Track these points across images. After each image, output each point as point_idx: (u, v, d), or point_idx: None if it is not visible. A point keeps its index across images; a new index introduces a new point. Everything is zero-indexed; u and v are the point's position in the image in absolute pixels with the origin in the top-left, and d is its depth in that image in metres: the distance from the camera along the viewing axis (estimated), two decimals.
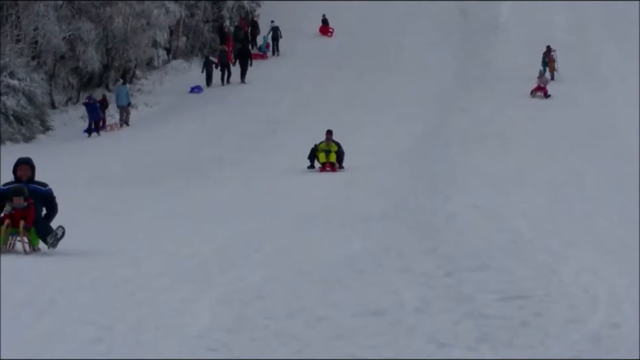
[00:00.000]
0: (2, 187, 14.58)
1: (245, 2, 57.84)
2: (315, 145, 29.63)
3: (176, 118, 43.99)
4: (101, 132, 43.46)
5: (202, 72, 51.69)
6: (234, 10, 56.68)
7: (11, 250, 13.88)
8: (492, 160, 29.67)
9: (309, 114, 41.52)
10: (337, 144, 29.58)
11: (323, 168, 28.84)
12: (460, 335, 9.81)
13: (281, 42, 55.04)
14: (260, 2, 60.48)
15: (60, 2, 47.17)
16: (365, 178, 29.57)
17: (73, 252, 15.70)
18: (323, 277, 13.53)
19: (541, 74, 44.59)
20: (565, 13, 58.45)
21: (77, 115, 45.32)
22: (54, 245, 13.73)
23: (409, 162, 32.32)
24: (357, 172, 30.49)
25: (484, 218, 21.00)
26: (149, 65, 51.97)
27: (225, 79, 50.78)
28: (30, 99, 43.37)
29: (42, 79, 45.15)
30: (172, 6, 52.15)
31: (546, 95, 42.83)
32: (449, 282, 12.90)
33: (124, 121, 44.98)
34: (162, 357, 9.16)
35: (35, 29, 45.93)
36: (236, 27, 55.10)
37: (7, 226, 13.65)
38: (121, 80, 49.63)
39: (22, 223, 13.62)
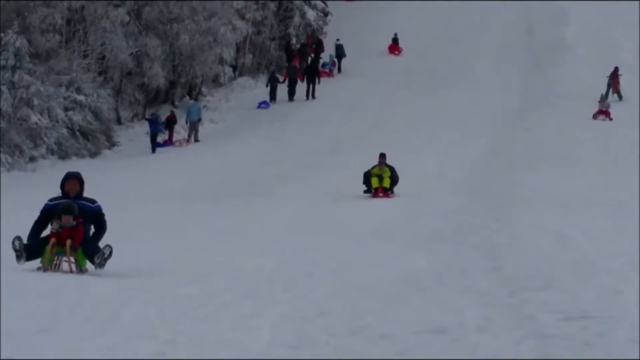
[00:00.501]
0: (49, 203, 13.98)
1: (312, 20, 58.21)
2: (368, 170, 28.87)
3: (242, 135, 44.50)
4: (169, 148, 44.13)
5: (267, 86, 52.01)
6: (301, 28, 57.19)
7: (57, 270, 13.29)
8: (556, 181, 29.73)
9: (374, 133, 41.67)
10: (391, 168, 28.82)
11: (375, 194, 28.13)
12: (522, 354, 9.57)
13: (349, 60, 55.23)
14: (328, 19, 60.95)
15: (128, 19, 47.64)
16: (428, 197, 29.44)
17: (136, 268, 16.10)
18: (385, 294, 13.47)
19: (602, 99, 44.24)
20: (632, 34, 57.00)
21: (143, 131, 45.92)
22: (101, 265, 13.11)
23: (472, 181, 32.32)
24: (420, 191, 30.05)
25: (547, 238, 20.65)
26: (215, 82, 52.48)
27: (291, 96, 50.91)
28: (96, 114, 43.99)
29: (109, 95, 45.83)
30: (238, 23, 52.39)
31: (609, 118, 42.52)
32: (512, 301, 12.72)
33: (194, 137, 45.44)
34: None
35: (103, 45, 46.48)
36: (302, 45, 55.87)
37: (53, 245, 13.02)
38: (187, 97, 50.41)
39: (68, 242, 12.92)
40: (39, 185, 25.84)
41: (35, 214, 16.76)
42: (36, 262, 13.60)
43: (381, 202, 27.65)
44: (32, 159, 40.22)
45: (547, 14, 61.34)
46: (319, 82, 51.73)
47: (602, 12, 59.83)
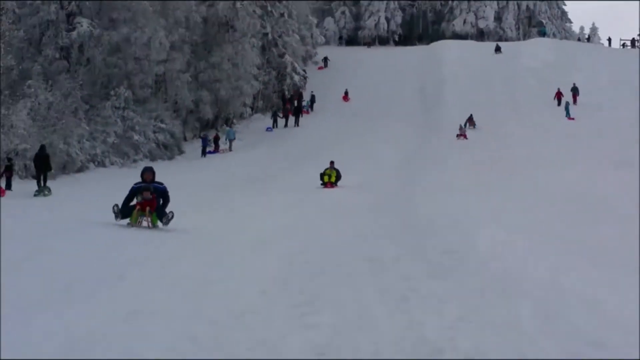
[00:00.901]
0: (134, 185, 14.83)
1: (297, 81, 60.13)
2: (323, 171, 29.68)
3: (257, 147, 46.97)
4: (215, 154, 46.62)
5: (271, 119, 55.05)
6: (291, 86, 58.94)
7: (140, 226, 14.41)
8: (438, 175, 31.42)
9: (333, 147, 42.05)
10: (337, 170, 29.30)
11: (326, 185, 28.79)
12: (417, 272, 10.70)
13: (318, 104, 57.40)
14: (306, 80, 62.71)
15: (190, 80, 49.18)
16: (362, 187, 29.64)
17: (194, 227, 16.28)
18: (339, 240, 14.56)
19: (461, 128, 46.43)
20: (484, 93, 58.33)
21: (199, 145, 47.91)
22: (166, 224, 14.26)
23: (390, 176, 32.90)
24: (357, 183, 30.16)
25: (433, 208, 21.21)
26: (241, 116, 54.79)
27: (286, 124, 54.19)
28: (172, 135, 46.65)
29: (179, 124, 48.48)
30: (254, 83, 54.31)
31: (466, 138, 45.13)
32: (413, 244, 14.12)
33: (230, 148, 48.21)
34: None
35: (176, 95, 48.96)
36: (291, 95, 57.64)
37: (138, 210, 14.33)
38: (225, 125, 53.20)
39: (147, 209, 14.26)
40: (137, 176, 19.20)
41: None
42: (125, 221, 14.71)
43: (330, 190, 27.91)
44: (134, 160, 42.71)
45: (433, 79, 62.05)
46: (301, 116, 54.69)
47: (468, 78, 61.07)
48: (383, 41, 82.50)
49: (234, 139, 49.28)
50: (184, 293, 8.96)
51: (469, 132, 46.69)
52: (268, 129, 53.70)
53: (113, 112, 44.31)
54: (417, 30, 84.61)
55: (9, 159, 31.49)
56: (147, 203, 14.33)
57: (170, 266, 10.91)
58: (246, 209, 22.74)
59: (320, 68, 68.19)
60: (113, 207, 14.55)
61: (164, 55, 47.01)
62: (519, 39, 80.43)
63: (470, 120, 47.81)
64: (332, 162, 30.20)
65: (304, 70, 63.85)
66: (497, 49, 66.88)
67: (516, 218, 17.12)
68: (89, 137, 41.66)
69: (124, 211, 14.54)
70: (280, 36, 58.72)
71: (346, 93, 59.28)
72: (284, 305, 8.32)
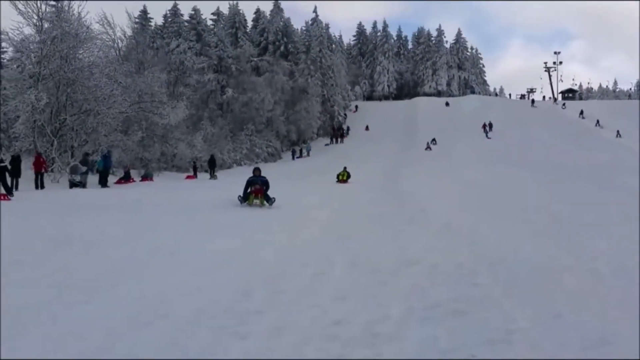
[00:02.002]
0: (249, 178, 12.70)
1: (340, 120, 58.29)
2: (339, 172, 24.85)
3: (320, 155, 45.19)
4: (300, 158, 45.27)
5: (329, 139, 52.85)
6: (337, 122, 56.98)
7: (254, 205, 12.29)
8: (414, 172, 28.18)
9: (360, 154, 41.84)
10: (347, 172, 24.83)
11: (339, 182, 23.90)
12: (398, 221, 9.66)
13: (350, 132, 55.14)
14: (345, 120, 60.07)
15: (284, 120, 48.34)
16: (364, 181, 24.63)
17: (286, 195, 15.91)
18: (357, 205, 13.10)
19: (428, 143, 44.43)
20: (446, 119, 54.93)
21: (289, 155, 46.91)
22: (271, 204, 12.21)
23: (384, 174, 28.85)
24: (363, 179, 24.77)
25: (413, 188, 19.55)
26: (311, 139, 52.14)
27: (335, 142, 51.84)
28: (275, 148, 46.11)
29: (279, 143, 47.65)
30: (318, 122, 52.94)
31: (430, 149, 43.04)
32: (400, 206, 12.46)
33: (308, 155, 46.63)
34: None
35: (277, 127, 47.48)
36: (337, 128, 55.44)
37: (252, 195, 12.34)
38: (303, 143, 50.59)
39: (260, 195, 12.31)
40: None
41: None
42: (245, 204, 12.35)
43: (344, 185, 22.45)
44: (257, 162, 40.83)
45: (412, 118, 58.81)
46: (345, 138, 53.31)
47: (431, 117, 58.57)
48: (386, 97, 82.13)
49: (310, 149, 48.59)
50: (276, 231, 8.73)
51: (432, 147, 44.86)
52: (326, 145, 52.73)
53: (245, 137, 44.81)
54: (405, 91, 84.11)
55: (195, 161, 33.71)
56: (258, 190, 12.35)
57: (272, 217, 10.79)
58: (313, 185, 22.49)
59: (353, 111, 66.50)
60: (238, 197, 12.59)
61: (270, 107, 47.06)
62: (460, 95, 79.36)
63: (433, 141, 45.83)
64: (345, 168, 25.76)
65: (345, 114, 62.55)
66: (447, 104, 63.06)
67: (450, 194, 15.87)
68: (232, 150, 42.48)
69: (244, 197, 12.51)
70: (331, 96, 58.40)
71: (367, 127, 57.83)
72: (332, 238, 8.01)
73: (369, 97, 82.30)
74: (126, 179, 23.61)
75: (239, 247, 7.12)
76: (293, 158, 46.27)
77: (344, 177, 24.48)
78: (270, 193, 12.64)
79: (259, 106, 46.36)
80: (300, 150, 48.33)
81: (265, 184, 12.55)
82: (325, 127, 56.57)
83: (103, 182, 21.23)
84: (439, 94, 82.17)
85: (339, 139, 53.64)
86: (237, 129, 45.43)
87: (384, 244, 7.42)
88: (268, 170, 20.86)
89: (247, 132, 45.47)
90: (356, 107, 69.67)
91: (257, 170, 13.04)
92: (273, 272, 5.70)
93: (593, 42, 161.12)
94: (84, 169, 20.56)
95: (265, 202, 12.41)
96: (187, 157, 35.68)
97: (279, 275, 5.52)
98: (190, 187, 19.72)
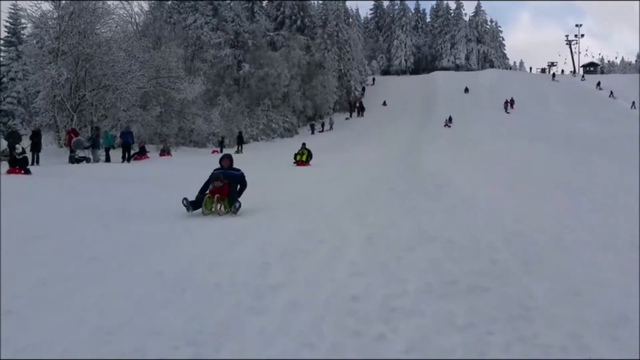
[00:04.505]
0: (213, 172, 8.65)
1: (357, 95, 57.75)
2: (297, 152, 20.61)
3: (340, 130, 45.50)
4: (323, 132, 45.38)
5: (349, 114, 53.16)
6: (354, 98, 56.39)
7: (212, 212, 8.21)
8: (432, 147, 27.83)
9: (377, 128, 42.00)
10: (308, 150, 20.38)
11: (297, 163, 19.75)
12: (416, 196, 9.57)
13: (367, 107, 54.30)
14: (362, 95, 59.50)
15: (300, 95, 48.32)
16: (388, 150, 26.17)
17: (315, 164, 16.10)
18: (365, 179, 13.26)
19: (446, 121, 43.38)
20: (460, 99, 54.88)
21: (305, 130, 46.85)
22: (234, 212, 8.10)
23: (404, 146, 29.33)
24: (379, 156, 23.07)
25: (430, 161, 18.97)
26: (327, 114, 51.69)
27: (350, 116, 52.06)
28: (291, 123, 46.15)
29: (295, 118, 47.61)
30: (334, 96, 52.69)
31: (449, 127, 41.72)
32: (417, 182, 12.09)
33: (331, 128, 46.81)
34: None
35: (293, 103, 47.59)
36: (354, 102, 55.02)
37: (210, 198, 8.26)
38: (320, 118, 50.69)
39: (217, 197, 8.25)
40: (274, 147, 21.32)
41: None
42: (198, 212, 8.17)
43: (362, 158, 21.82)
44: (272, 138, 42.44)
45: (430, 94, 58.12)
46: (363, 114, 53.03)
47: (450, 92, 57.71)
48: (403, 72, 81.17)
49: (333, 122, 48.43)
50: (295, 205, 8.91)
51: (450, 125, 43.59)
52: (347, 119, 52.57)
53: (261, 113, 44.73)
54: (422, 65, 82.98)
55: (222, 137, 34.78)
56: (217, 190, 8.44)
57: (298, 187, 11.28)
58: (333, 157, 22.61)
59: (371, 85, 66.15)
60: (182, 201, 8.09)
61: (287, 82, 47.01)
62: (479, 69, 78.01)
63: (450, 120, 44.47)
64: (303, 144, 21.55)
65: (363, 88, 62.10)
66: (466, 90, 58.41)
67: (469, 168, 15.52)
68: (249, 126, 42.37)
69: (195, 202, 8.17)
70: (347, 70, 57.90)
71: (384, 102, 57.17)
72: (350, 213, 7.90)
73: (386, 72, 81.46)
74: (141, 154, 23.35)
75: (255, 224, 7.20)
76: (312, 132, 46.08)
77: (303, 157, 19.92)
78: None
79: (275, 81, 46.17)
80: (322, 124, 48.07)
81: (235, 180, 8.60)
82: (341, 102, 56.07)
83: (124, 157, 21.30)
84: (457, 68, 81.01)
85: (360, 113, 53.17)
86: (253, 104, 45.37)
87: (402, 220, 7.32)
88: (287, 146, 21.05)
89: (263, 107, 45.41)
90: (374, 79, 69.13)
91: (225, 159, 8.84)
92: (290, 247, 5.72)
93: (602, 17, 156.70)
94: (87, 144, 20.00)
95: (229, 207, 8.31)
96: (204, 132, 35.82)
97: (297, 250, 5.53)
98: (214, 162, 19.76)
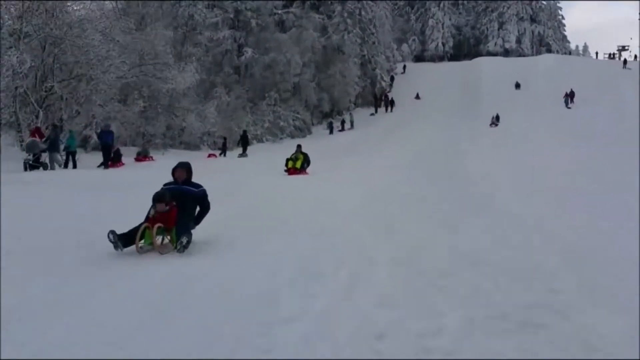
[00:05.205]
0: (163, 187, 7.38)
1: (383, 86, 58.44)
2: (289, 157, 19.54)
3: (363, 127, 46.29)
4: (341, 132, 46.46)
5: (374, 109, 54.66)
6: (379, 89, 57.28)
7: (157, 248, 6.74)
8: (473, 146, 29.21)
9: (408, 125, 43.10)
10: (304, 155, 19.46)
11: (289, 172, 18.79)
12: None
13: (397, 101, 55.14)
14: (391, 87, 60.62)
15: (315, 86, 49.36)
16: (416, 161, 26.11)
17: (327, 171, 16.84)
18: (387, 174, 14.61)
19: (492, 118, 43.66)
20: (512, 95, 55.71)
21: (321, 128, 48.19)
22: (180, 250, 6.56)
23: (441, 151, 28.79)
24: (411, 160, 23.33)
25: (470, 160, 19.94)
26: (347, 110, 52.76)
27: (376, 112, 53.25)
28: (304, 121, 47.08)
29: (308, 114, 48.52)
30: (356, 88, 53.93)
31: (496, 126, 42.22)
32: (454, 194, 11.95)
33: (352, 127, 47.59)
34: None
35: (306, 95, 48.30)
36: (380, 95, 56.24)
37: (148, 229, 6.71)
38: (337, 115, 51.78)
39: (156, 227, 6.71)
40: (282, 149, 21.00)
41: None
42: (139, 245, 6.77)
43: (386, 162, 22.37)
44: (281, 138, 43.30)
45: (474, 85, 58.98)
46: (392, 109, 54.02)
47: (498, 82, 57.94)
48: (440, 58, 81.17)
49: (354, 120, 49.05)
50: (309, 205, 9.59)
51: (498, 124, 43.65)
52: (371, 114, 53.24)
53: (267, 107, 45.43)
54: (463, 50, 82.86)
55: (225, 138, 35.87)
56: (161, 217, 6.86)
57: (315, 190, 11.54)
58: (351, 161, 23.00)
59: (401, 73, 66.64)
60: (108, 236, 6.52)
61: (298, 70, 47.45)
62: (533, 55, 77.56)
63: (497, 118, 44.28)
64: (298, 146, 20.59)
65: (391, 77, 62.51)
66: (517, 86, 57.61)
67: (521, 177, 15.45)
68: (252, 124, 43.07)
69: (126, 236, 6.66)
70: (372, 56, 58.07)
71: (417, 95, 57.53)
72: (372, 229, 7.91)
73: (420, 58, 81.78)
74: (115, 160, 22.78)
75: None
76: (331, 132, 46.86)
77: (296, 163, 19.09)
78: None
79: (284, 69, 46.63)
80: (342, 122, 48.67)
81: (196, 199, 7.40)
82: (365, 94, 56.59)
83: (105, 162, 21.52)
84: (506, 52, 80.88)
85: (388, 108, 53.81)
86: (257, 98, 46.02)
87: (437, 238, 7.38)
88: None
89: (269, 101, 46.06)
90: (404, 66, 69.35)
91: (180, 170, 7.53)
92: (305, 270, 5.79)
93: None
94: (43, 146, 19.32)
95: (175, 243, 6.84)
96: (197, 131, 36.15)
97: (311, 275, 5.59)
98: (210, 169, 19.75)
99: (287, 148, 26.52)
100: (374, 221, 8.80)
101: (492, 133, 38.74)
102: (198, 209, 7.40)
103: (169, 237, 6.91)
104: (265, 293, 5.03)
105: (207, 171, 17.84)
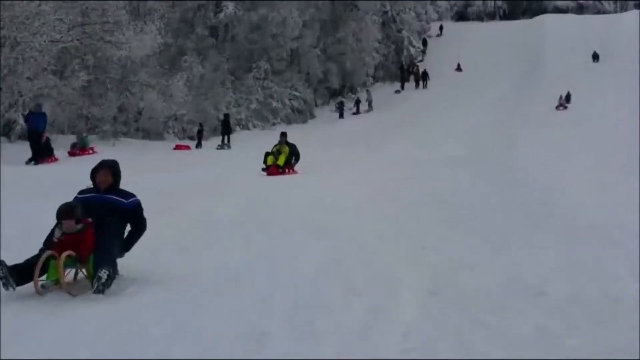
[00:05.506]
0: (77, 196, 6.80)
1: (412, 53, 59.18)
2: (269, 151, 19.38)
3: (385, 109, 46.92)
4: (356, 115, 47.62)
5: (401, 84, 55.29)
6: (408, 58, 57.94)
7: (63, 285, 5.93)
8: (535, 140, 28.44)
9: (437, 115, 42.22)
10: (291, 147, 19.32)
11: (268, 171, 18.52)
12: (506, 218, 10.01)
13: (432, 74, 55.51)
14: (424, 55, 61.34)
15: (319, 54, 50.00)
16: (456, 153, 25.24)
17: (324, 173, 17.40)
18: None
19: (561, 99, 43.56)
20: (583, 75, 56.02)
21: (328, 110, 49.06)
22: (98, 290, 5.83)
23: (490, 142, 29.61)
24: (448, 153, 25.06)
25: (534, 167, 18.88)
26: (364, 85, 53.85)
27: (402, 89, 54.31)
28: (305, 101, 47.69)
29: (310, 92, 49.19)
30: (375, 56, 54.71)
31: (565, 108, 42.50)
32: (507, 199, 12.36)
33: (370, 108, 48.60)
34: None
35: (308, 67, 49.41)
36: (408, 66, 56.78)
37: (52, 257, 5.95)
38: (349, 93, 52.96)
39: (64, 255, 5.90)
40: (274, 139, 20.67)
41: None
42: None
43: (412, 158, 22.77)
44: (273, 124, 43.86)
45: (535, 52, 59.46)
46: (424, 85, 54.46)
47: (569, 50, 58.25)
48: (490, 16, 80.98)
49: (372, 100, 49.43)
50: (309, 216, 9.40)
51: (567, 105, 43.78)
52: (397, 92, 53.76)
53: (254, 82, 45.75)
54: (521, 5, 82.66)
55: (201, 125, 37.24)
56: (69, 240, 6.15)
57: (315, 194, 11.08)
58: (374, 154, 23.73)
59: (437, 35, 67.29)
60: None
61: (297, 32, 47.76)
62: (616, 12, 77.04)
63: (567, 98, 44.42)
64: (282, 134, 20.40)
65: (424, 43, 62.94)
66: (595, 57, 56.92)
67: (598, 178, 15.43)
68: (235, 104, 43.40)
69: (23, 269, 5.94)
70: (398, 13, 58.18)
71: (458, 65, 57.85)
72: (397, 247, 8.06)
73: (462, 16, 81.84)
74: (44, 154, 22.68)
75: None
76: (341, 115, 47.57)
77: (278, 160, 19.05)
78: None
79: (277, 31, 46.85)
80: (357, 102, 49.06)
81: (127, 213, 6.87)
82: (387, 65, 57.04)
83: (34, 155, 21.47)
84: (579, 8, 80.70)
85: (419, 83, 54.38)
86: (241, 70, 46.34)
87: (484, 258, 7.43)
88: (296, 137, 21.52)
89: (257, 74, 46.29)
90: (441, 27, 69.32)
91: (103, 172, 6.93)
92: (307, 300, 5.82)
93: None
94: None
95: (92, 279, 6.15)
96: (160, 114, 36.11)
97: (317, 307, 5.62)
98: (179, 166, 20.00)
99: (275, 136, 26.52)
100: (397, 234, 8.87)
101: (559, 118, 38.94)
102: (129, 227, 6.90)
103: (83, 269, 6.26)
104: (249, 334, 4.97)
105: (173, 168, 17.62)
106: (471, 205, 11.04)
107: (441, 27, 69.15)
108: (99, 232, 6.33)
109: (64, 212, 6.19)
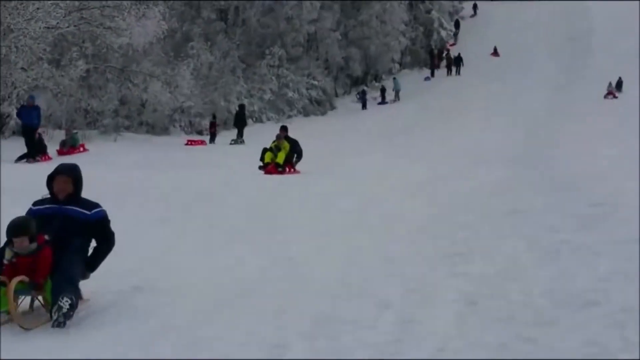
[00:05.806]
0: (32, 208, 6.48)
1: (444, 36, 59.77)
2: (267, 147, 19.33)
3: (413, 99, 47.03)
4: (382, 105, 48.12)
5: (430, 71, 55.86)
6: (438, 41, 58.34)
7: (13, 318, 5.49)
8: (581, 133, 28.15)
9: (472, 105, 42.32)
10: (292, 142, 19.28)
11: (265, 169, 18.50)
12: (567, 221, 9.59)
13: (466, 59, 55.70)
14: (456, 38, 61.77)
15: (340, 38, 50.01)
16: (493, 148, 26.05)
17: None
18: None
19: (610, 85, 43.57)
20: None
21: (349, 100, 49.38)
22: (58, 322, 5.45)
23: (529, 134, 30.15)
24: (484, 147, 25.83)
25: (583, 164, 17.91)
26: (390, 72, 54.62)
27: (432, 75, 54.60)
28: (324, 91, 47.83)
29: (330, 80, 49.46)
30: (402, 40, 54.67)
31: (615, 97, 42.44)
32: (552, 199, 11.93)
33: (397, 98, 48.88)
34: None
35: (326, 53, 49.63)
36: (439, 51, 57.25)
37: (2, 282, 5.56)
38: (374, 82, 53.40)
39: (15, 281, 5.50)
40: (292, 132, 20.26)
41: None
42: None
43: (442, 155, 23.36)
44: (289, 116, 43.72)
45: (581, 32, 59.67)
46: (457, 72, 54.81)
47: (618, 30, 57.57)
48: None
49: (400, 89, 49.62)
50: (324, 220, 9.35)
51: (617, 94, 43.49)
52: (426, 79, 54.09)
53: (268, 71, 45.88)
54: None
55: (214, 116, 37.38)
56: (23, 263, 5.83)
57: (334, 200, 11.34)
58: (401, 150, 24.33)
59: (471, 16, 67.70)
60: None
61: (315, 14, 47.92)
62: None
63: (618, 84, 44.30)
64: (283, 128, 20.77)
65: (456, 25, 63.28)
66: None
67: None
68: (247, 95, 43.41)
69: None
70: None
71: (495, 49, 58.00)
72: (431, 254, 8.15)
73: None
74: (36, 152, 22.94)
75: None
76: (364, 106, 47.80)
77: (277, 157, 18.99)
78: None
79: (292, 13, 47.09)
80: (382, 91, 49.35)
81: (91, 227, 6.53)
82: (415, 50, 57.25)
83: (29, 152, 21.81)
84: None
85: (451, 69, 54.67)
86: (253, 57, 46.60)
87: (529, 266, 7.37)
88: (314, 132, 22.66)
89: (271, 61, 46.39)
90: (474, 8, 69.00)
91: (61, 179, 6.53)
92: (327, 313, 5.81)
93: None
94: None
95: (50, 307, 5.76)
96: (165, 106, 36.15)
97: (339, 321, 5.59)
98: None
99: (299, 131, 26.63)
100: (432, 239, 8.94)
101: (608, 108, 38.76)
102: (93, 243, 6.55)
103: (40, 297, 5.93)
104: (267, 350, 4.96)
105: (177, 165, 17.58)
106: (516, 208, 11.04)
107: (475, 7, 68.87)
108: (57, 251, 5.98)
109: (15, 228, 5.78)
